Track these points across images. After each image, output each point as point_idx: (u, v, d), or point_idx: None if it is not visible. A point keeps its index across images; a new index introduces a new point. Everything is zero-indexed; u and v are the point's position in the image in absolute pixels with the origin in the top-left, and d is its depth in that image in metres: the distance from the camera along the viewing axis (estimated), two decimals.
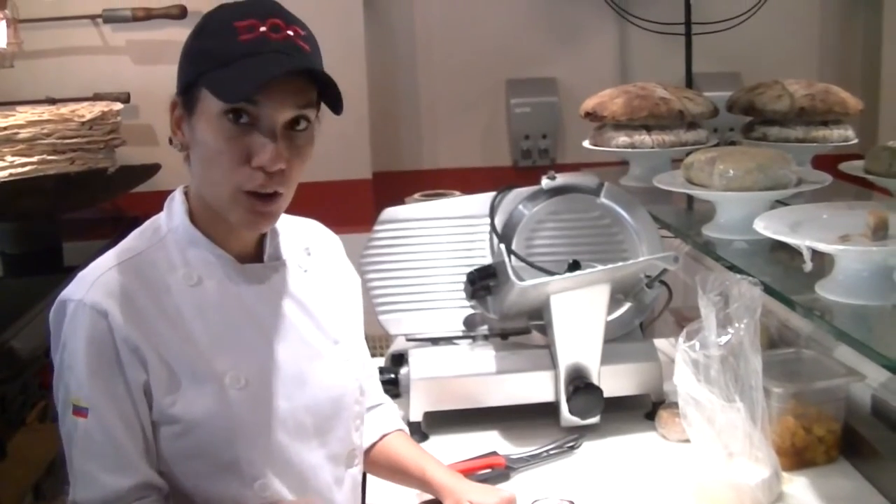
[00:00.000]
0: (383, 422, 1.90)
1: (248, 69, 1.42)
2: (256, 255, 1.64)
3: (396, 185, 3.44)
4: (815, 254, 1.69)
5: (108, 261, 1.55)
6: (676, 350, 1.78)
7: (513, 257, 2.14)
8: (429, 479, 1.81)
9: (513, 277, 2.04)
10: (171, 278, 1.55)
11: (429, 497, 1.84)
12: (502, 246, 2.15)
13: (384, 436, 1.88)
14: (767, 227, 1.80)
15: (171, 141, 1.59)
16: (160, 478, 1.52)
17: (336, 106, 1.51)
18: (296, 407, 1.59)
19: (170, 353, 1.51)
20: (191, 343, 1.53)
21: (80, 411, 1.48)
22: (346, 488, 1.68)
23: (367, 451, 1.85)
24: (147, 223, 1.63)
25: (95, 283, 1.50)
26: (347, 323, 1.76)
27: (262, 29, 1.45)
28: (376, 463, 1.88)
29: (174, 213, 1.60)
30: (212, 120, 1.47)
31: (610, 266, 2.07)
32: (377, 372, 1.96)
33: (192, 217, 1.59)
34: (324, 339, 1.67)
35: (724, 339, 1.74)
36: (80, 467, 1.49)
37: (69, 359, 1.49)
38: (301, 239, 1.74)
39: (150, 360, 1.49)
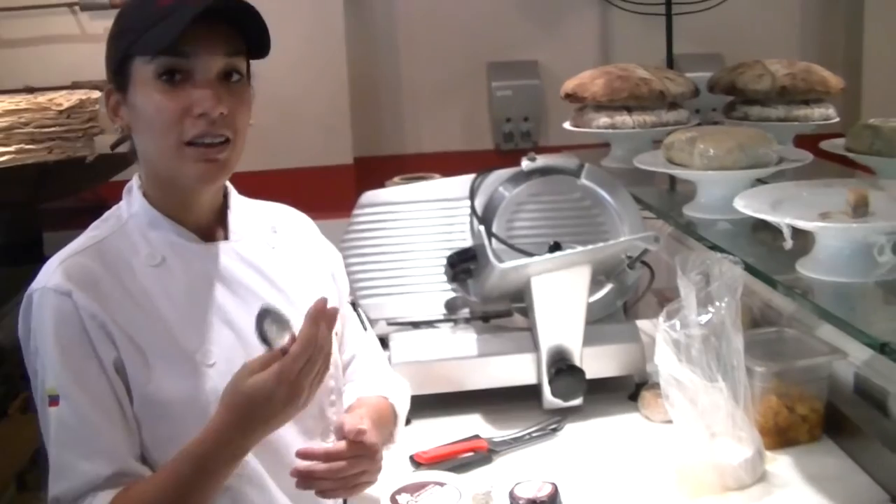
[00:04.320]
0: (368, 386, 1.86)
1: (171, 22, 1.43)
2: (219, 236, 1.64)
3: (379, 170, 3.42)
4: (797, 232, 1.68)
5: (70, 250, 1.56)
6: (657, 330, 1.78)
7: (493, 239, 2.13)
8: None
9: (493, 259, 2.03)
10: (134, 261, 1.56)
11: (409, 482, 1.83)
12: (482, 228, 2.14)
13: (359, 399, 1.84)
14: (748, 205, 1.79)
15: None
16: (140, 465, 1.50)
17: (262, 49, 1.54)
18: None
19: (138, 333, 1.50)
20: (159, 323, 1.52)
21: (53, 400, 1.46)
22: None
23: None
24: (108, 212, 1.64)
25: (57, 269, 1.51)
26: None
27: None
28: None
29: (133, 198, 1.61)
30: (147, 85, 1.49)
31: (590, 247, 2.06)
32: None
33: (150, 201, 1.59)
34: (295, 314, 1.64)
35: (704, 318, 1.73)
36: (57, 458, 1.47)
37: (40, 349, 1.49)
38: (266, 218, 1.75)
39: (118, 337, 1.48)
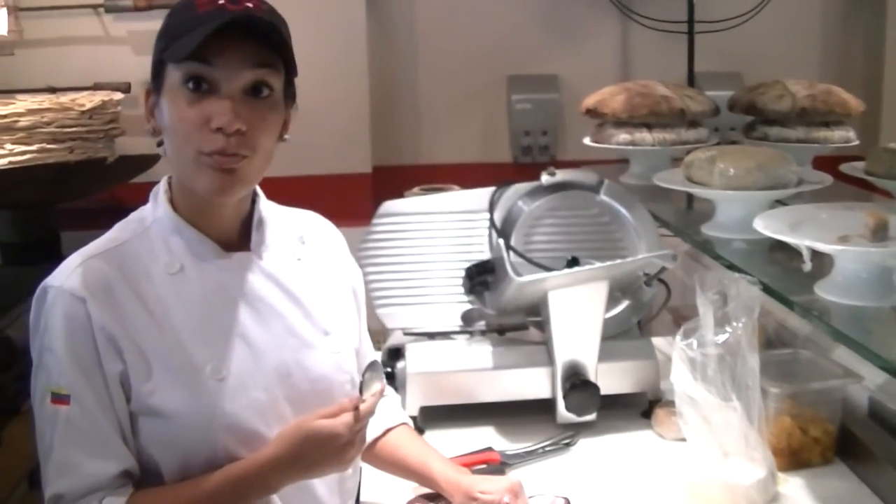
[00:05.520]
0: (387, 415, 1.89)
1: (200, 30, 1.43)
2: (244, 245, 1.63)
3: (396, 179, 3.43)
4: (815, 254, 1.68)
5: (90, 250, 1.56)
6: (673, 348, 1.78)
7: (511, 253, 2.13)
8: (433, 475, 1.81)
9: (511, 273, 2.03)
10: (153, 268, 1.55)
11: (425, 490, 1.84)
12: (501, 241, 2.15)
13: (388, 430, 1.88)
14: (767, 226, 1.79)
15: (159, 144, 1.59)
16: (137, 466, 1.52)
17: (292, 67, 1.55)
18: (276, 399, 1.57)
19: (147, 343, 1.50)
20: (171, 333, 1.52)
21: (60, 399, 1.47)
22: (329, 479, 1.65)
23: (371, 445, 1.84)
24: (133, 214, 1.63)
25: (76, 271, 1.51)
26: (341, 315, 1.74)
27: (221, 2, 1.46)
28: (380, 457, 1.88)
29: (159, 202, 1.60)
30: (175, 92, 1.49)
31: (608, 263, 2.06)
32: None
33: (176, 206, 1.59)
34: (313, 330, 1.65)
35: (721, 337, 1.73)
36: (61, 456, 1.48)
37: (49, 345, 1.49)
38: (295, 228, 1.74)
39: (126, 349, 1.48)
